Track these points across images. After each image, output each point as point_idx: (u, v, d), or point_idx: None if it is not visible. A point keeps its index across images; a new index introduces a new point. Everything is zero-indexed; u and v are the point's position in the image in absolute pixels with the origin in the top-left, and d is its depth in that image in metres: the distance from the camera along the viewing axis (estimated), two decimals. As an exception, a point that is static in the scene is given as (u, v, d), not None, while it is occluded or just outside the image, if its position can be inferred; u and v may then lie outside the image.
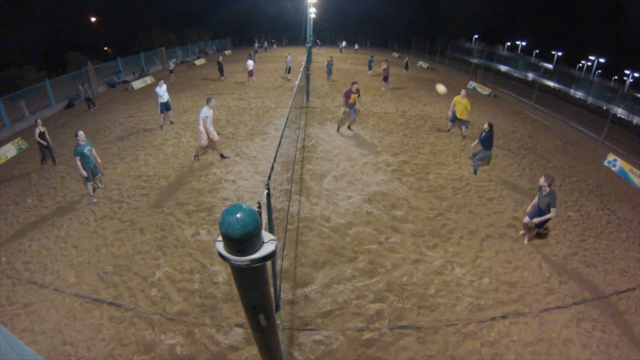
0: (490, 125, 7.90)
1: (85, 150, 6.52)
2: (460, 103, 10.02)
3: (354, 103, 9.86)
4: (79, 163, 6.44)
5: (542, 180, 5.35)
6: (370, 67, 20.69)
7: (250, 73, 16.58)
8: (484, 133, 7.91)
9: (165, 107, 10.68)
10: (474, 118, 13.34)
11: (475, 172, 8.15)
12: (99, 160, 7.07)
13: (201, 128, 7.91)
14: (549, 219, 5.37)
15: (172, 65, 20.48)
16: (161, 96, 10.46)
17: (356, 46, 37.98)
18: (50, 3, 28.45)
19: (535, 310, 4.43)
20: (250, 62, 16.63)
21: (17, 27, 25.53)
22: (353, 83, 9.74)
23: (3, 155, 9.40)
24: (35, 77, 17.61)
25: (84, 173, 6.54)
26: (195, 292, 4.53)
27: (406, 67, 22.41)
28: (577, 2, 35.40)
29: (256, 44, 33.92)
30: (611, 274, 5.30)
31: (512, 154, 9.82)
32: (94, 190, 6.98)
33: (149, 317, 4.17)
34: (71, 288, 4.66)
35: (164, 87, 10.63)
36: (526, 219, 5.72)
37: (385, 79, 16.55)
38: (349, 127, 10.71)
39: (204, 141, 8.17)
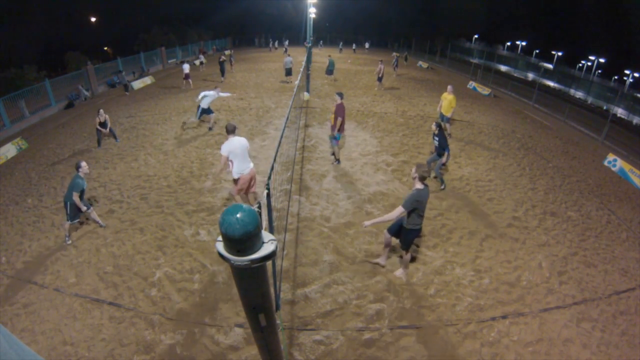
0: (438, 126, 6.99)
1: (86, 186, 5.58)
2: (446, 99, 9.99)
3: (341, 127, 7.57)
4: (78, 200, 5.34)
5: (412, 171, 4.22)
6: (395, 67, 21.22)
7: (186, 76, 16.90)
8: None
9: (207, 111, 10.33)
10: (474, 118, 13.35)
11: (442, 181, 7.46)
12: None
13: None
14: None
15: (202, 58, 23.31)
16: (207, 96, 10.09)
17: (367, 45, 39.60)
18: (50, 3, 28.48)
19: (535, 310, 4.43)
20: (186, 66, 17.03)
21: (17, 27, 25.55)
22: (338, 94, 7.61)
23: (3, 155, 9.39)
24: (35, 77, 17.59)
25: (83, 208, 5.49)
26: (195, 292, 4.53)
27: (405, 59, 27.41)
28: (577, 2, 35.40)
29: (285, 44, 35.15)
30: (611, 274, 5.29)
31: (512, 154, 9.81)
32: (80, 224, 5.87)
33: (149, 317, 4.17)
34: (71, 288, 4.66)
35: (214, 92, 10.26)
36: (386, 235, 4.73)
37: (380, 79, 16.79)
38: (337, 160, 8.15)
39: None
